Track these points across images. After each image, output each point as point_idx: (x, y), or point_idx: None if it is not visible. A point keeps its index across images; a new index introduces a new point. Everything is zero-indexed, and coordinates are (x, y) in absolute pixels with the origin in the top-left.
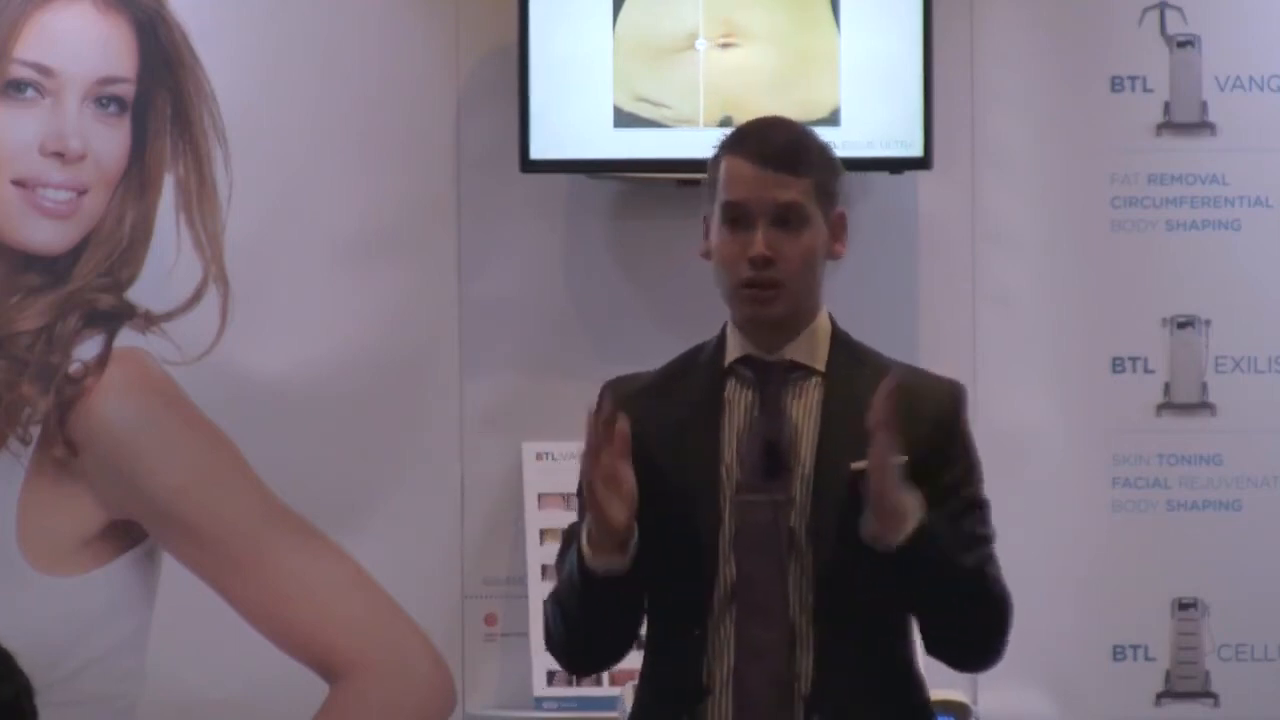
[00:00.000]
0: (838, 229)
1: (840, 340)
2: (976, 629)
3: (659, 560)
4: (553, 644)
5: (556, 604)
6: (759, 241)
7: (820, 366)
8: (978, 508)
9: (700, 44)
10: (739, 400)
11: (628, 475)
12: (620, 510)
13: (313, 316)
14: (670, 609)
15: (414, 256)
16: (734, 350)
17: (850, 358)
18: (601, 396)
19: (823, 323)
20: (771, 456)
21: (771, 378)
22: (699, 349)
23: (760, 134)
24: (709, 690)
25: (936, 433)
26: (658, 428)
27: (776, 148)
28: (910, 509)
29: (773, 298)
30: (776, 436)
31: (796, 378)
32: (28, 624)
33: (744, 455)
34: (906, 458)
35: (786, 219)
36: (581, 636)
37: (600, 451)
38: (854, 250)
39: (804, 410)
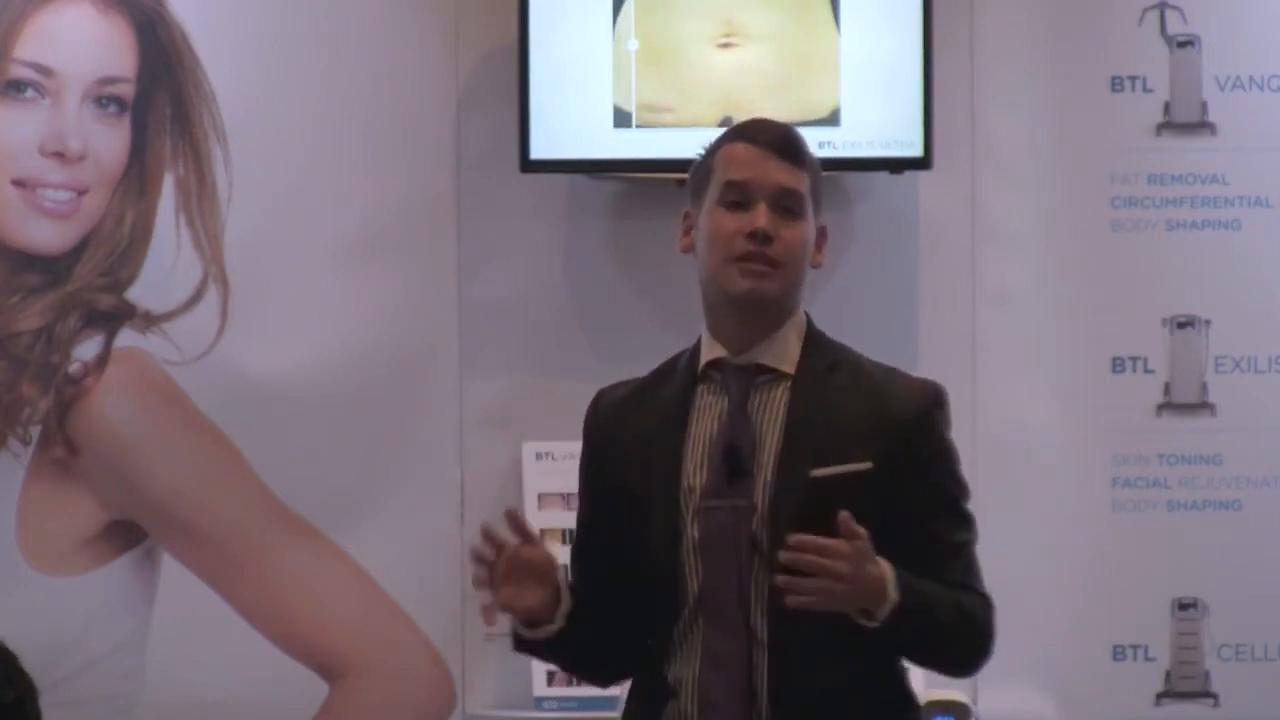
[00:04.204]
0: (820, 239)
1: (814, 343)
2: (958, 658)
3: (628, 571)
4: None
5: None
6: (761, 215)
7: (789, 370)
8: (956, 511)
9: (700, 44)
10: (708, 406)
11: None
12: (533, 596)
13: (313, 316)
14: (642, 618)
15: (414, 256)
16: (706, 353)
17: (822, 361)
18: (590, 405)
19: (797, 325)
20: (732, 462)
21: (737, 381)
22: (680, 356)
23: (760, 125)
24: (675, 694)
25: (899, 435)
26: (634, 437)
27: (778, 135)
28: (887, 581)
29: (769, 274)
30: (738, 442)
31: (765, 382)
32: (28, 624)
33: (709, 461)
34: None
35: (787, 205)
36: (579, 672)
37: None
38: (854, 250)
39: (769, 415)
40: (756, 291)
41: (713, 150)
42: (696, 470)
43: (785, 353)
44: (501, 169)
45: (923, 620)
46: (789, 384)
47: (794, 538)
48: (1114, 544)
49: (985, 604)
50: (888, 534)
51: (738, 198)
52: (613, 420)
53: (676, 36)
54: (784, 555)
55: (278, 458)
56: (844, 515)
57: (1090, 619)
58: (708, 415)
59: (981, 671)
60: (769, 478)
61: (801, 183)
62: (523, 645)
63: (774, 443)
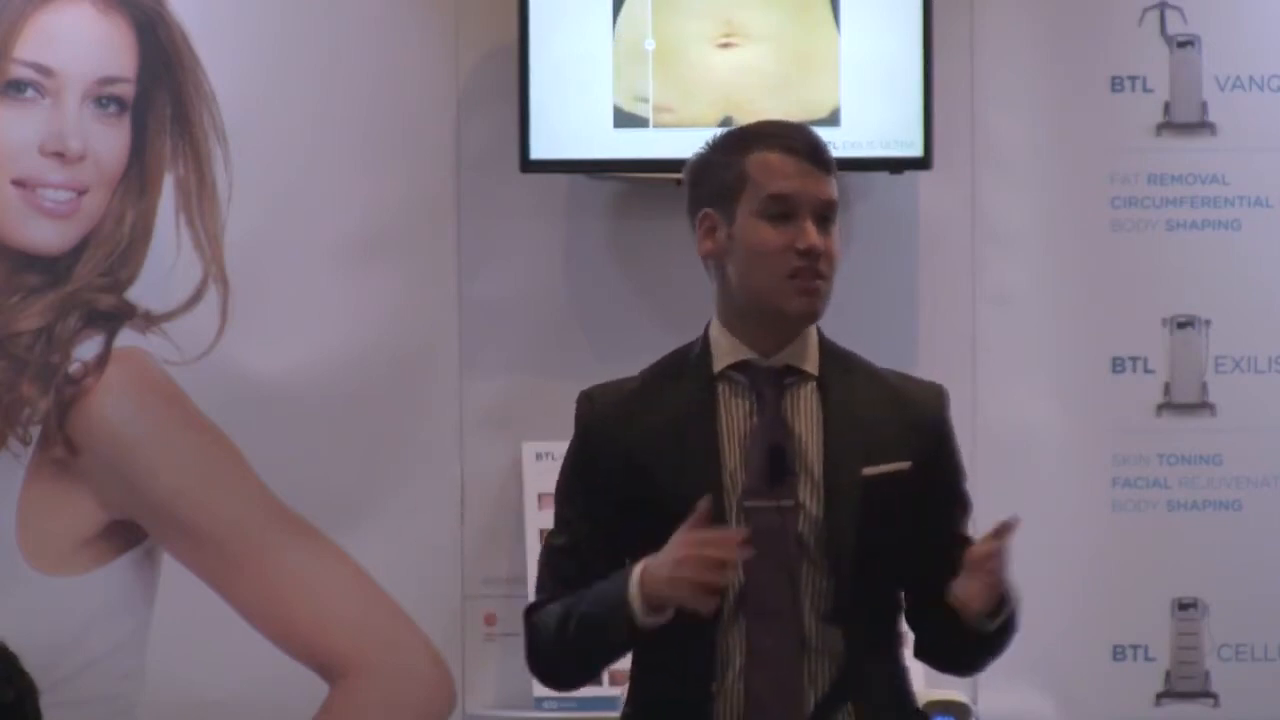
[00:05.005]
0: None
1: (827, 346)
2: (989, 659)
3: None
4: (548, 667)
5: (567, 645)
6: (811, 233)
7: (813, 371)
8: (967, 508)
9: (701, 44)
10: (733, 405)
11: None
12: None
13: (313, 316)
14: (674, 617)
15: (414, 256)
16: (727, 354)
17: (840, 363)
18: (580, 405)
19: (813, 328)
20: (776, 462)
21: (768, 383)
22: (683, 353)
23: (789, 131)
24: (715, 695)
25: (927, 436)
26: (648, 434)
27: (812, 145)
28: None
29: (821, 288)
30: (781, 442)
31: (790, 383)
32: (28, 624)
33: (748, 461)
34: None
35: (827, 217)
36: (595, 670)
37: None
38: (854, 250)
39: (804, 416)
40: (814, 308)
41: (738, 153)
42: (738, 469)
43: (809, 354)
44: (501, 169)
45: (1009, 624)
46: (813, 385)
47: (990, 539)
48: (1114, 544)
49: None
50: (915, 532)
51: (782, 210)
52: (616, 418)
53: (677, 36)
54: (977, 550)
55: (278, 458)
56: (1012, 521)
57: (1090, 619)
58: (736, 415)
59: (982, 671)
60: (817, 478)
61: (836, 191)
62: (633, 633)
63: (816, 443)
